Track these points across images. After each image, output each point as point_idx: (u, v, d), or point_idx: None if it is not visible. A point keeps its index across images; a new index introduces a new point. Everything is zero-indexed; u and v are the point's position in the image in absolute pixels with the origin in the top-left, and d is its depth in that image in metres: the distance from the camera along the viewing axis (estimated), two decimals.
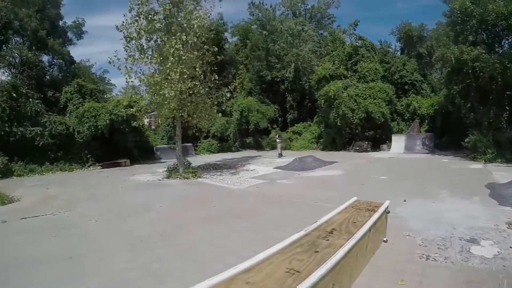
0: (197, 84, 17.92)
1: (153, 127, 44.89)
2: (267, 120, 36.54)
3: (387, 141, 29.71)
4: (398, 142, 28.31)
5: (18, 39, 31.72)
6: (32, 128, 25.38)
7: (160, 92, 17.26)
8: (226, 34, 43.09)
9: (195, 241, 7.98)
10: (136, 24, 17.54)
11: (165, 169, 19.91)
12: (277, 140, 30.35)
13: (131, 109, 20.84)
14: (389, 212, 6.58)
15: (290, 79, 39.15)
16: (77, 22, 37.35)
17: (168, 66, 17.00)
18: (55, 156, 26.45)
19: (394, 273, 5.61)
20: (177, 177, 18.17)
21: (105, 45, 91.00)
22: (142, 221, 10.15)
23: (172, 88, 16.86)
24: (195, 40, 17.53)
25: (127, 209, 11.84)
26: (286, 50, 39.33)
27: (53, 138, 25.97)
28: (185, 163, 19.72)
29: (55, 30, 34.43)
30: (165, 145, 35.33)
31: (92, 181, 19.78)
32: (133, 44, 17.80)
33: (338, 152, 29.42)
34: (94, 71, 40.03)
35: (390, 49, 37.73)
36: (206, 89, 18.79)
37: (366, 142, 29.62)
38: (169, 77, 16.95)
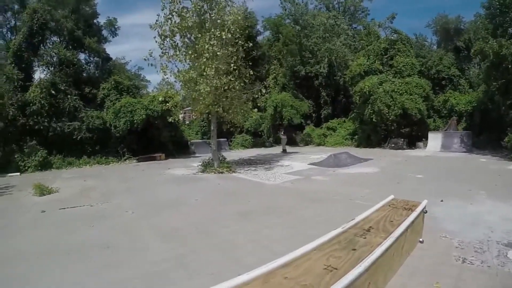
0: (232, 80, 18.05)
1: (187, 122, 45.24)
2: (301, 115, 36.19)
3: (423, 139, 28.93)
4: (434, 140, 27.54)
5: (55, 38, 32.54)
6: (70, 123, 26.56)
7: (196, 88, 17.48)
8: (257, 28, 43.14)
9: (230, 235, 8.10)
10: (169, 22, 17.84)
11: (200, 163, 20.17)
12: (282, 136, 30.69)
13: (167, 104, 21.12)
14: (426, 212, 6.51)
15: (324, 74, 38.53)
16: (110, 19, 38.56)
17: (202, 62, 17.18)
18: (93, 150, 27.52)
19: (429, 275, 5.53)
20: (211, 172, 18.41)
21: (138, 43, 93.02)
22: (177, 213, 10.41)
23: (208, 84, 17.03)
24: (229, 36, 17.59)
25: (162, 202, 12.14)
26: (319, 45, 38.72)
27: (91, 132, 27.04)
28: (220, 158, 19.94)
29: (90, 29, 35.30)
30: (199, 140, 35.55)
31: (128, 174, 20.31)
32: (167, 41, 18.14)
33: (373, 149, 28.94)
34: (129, 68, 41.03)
35: (426, 42, 36.85)
36: (241, 84, 18.89)
37: (402, 139, 28.86)
38: (204, 73, 17.10)
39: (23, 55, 28.84)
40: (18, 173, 23.54)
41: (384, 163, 20.12)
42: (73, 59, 30.13)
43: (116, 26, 38.71)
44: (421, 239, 6.50)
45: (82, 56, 33.77)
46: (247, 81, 19.36)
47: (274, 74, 37.14)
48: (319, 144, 34.85)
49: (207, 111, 19.14)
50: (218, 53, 17.11)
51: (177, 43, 18.32)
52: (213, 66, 16.95)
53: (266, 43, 44.64)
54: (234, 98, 19.00)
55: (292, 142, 36.63)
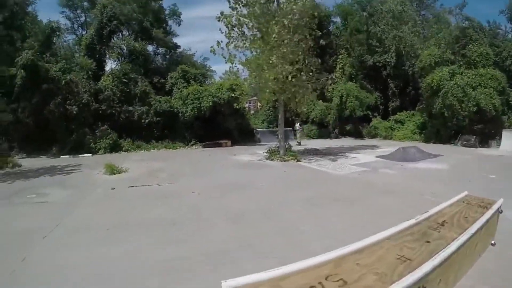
0: (299, 68, 18.00)
1: (252, 111, 45.58)
2: (363, 107, 35.31)
3: (497, 137, 26.83)
4: (509, 139, 25.29)
5: (124, 32, 34.10)
6: (139, 108, 28.03)
7: (262, 76, 17.59)
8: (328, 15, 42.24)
9: (296, 220, 8.19)
10: (235, 12, 18.06)
11: (266, 150, 20.45)
12: (297, 128, 30.59)
13: (234, 92, 21.43)
14: (501, 211, 6.26)
15: (392, 64, 36.73)
16: (174, 8, 39.70)
17: (268, 49, 17.25)
18: (160, 134, 28.99)
19: (500, 280, 5.32)
20: (277, 159, 18.64)
21: (203, 35, 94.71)
22: (243, 197, 10.67)
23: (273, 71, 17.12)
24: (296, 23, 17.53)
25: (229, 185, 12.47)
26: (387, 32, 36.94)
27: (158, 116, 28.52)
28: (286, 146, 19.99)
29: (158, 21, 36.47)
30: (265, 129, 35.77)
31: (195, 159, 21.06)
32: (234, 31, 18.33)
33: (443, 145, 27.39)
34: (195, 59, 41.59)
35: (500, 30, 34.40)
36: (310, 73, 18.80)
37: (474, 137, 26.90)
38: (271, 61, 17.18)
39: (95, 47, 31.06)
40: (90, 154, 25.43)
41: (454, 160, 19.09)
42: (142, 50, 31.59)
43: (179, 15, 39.71)
44: (493, 241, 6.23)
45: (150, 48, 35.22)
46: (314, 69, 19.23)
47: (342, 64, 36.61)
48: (385, 138, 33.76)
49: (273, 99, 19.23)
50: (285, 40, 17.12)
51: (244, 32, 18.53)
52: (280, 54, 16.99)
53: (334, 31, 43.52)
54: (301, 87, 18.93)
55: (358, 135, 36.23)
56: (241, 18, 18.07)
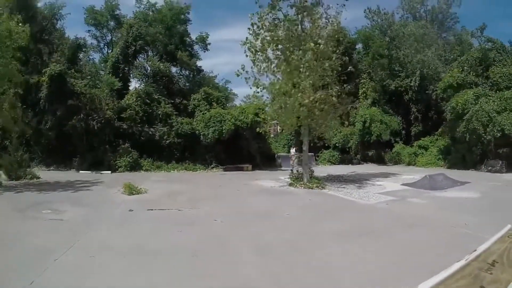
0: (329, 93, 17.50)
1: (271, 135, 45.09)
2: (390, 131, 34.24)
3: None
4: None
5: (150, 53, 34.57)
6: (161, 128, 28.04)
7: (289, 101, 17.12)
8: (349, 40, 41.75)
9: (327, 255, 7.54)
10: (259, 36, 17.72)
11: (288, 176, 19.85)
12: (292, 153, 27.48)
13: (259, 116, 21.01)
14: None
15: (415, 89, 35.87)
16: (202, 35, 39.14)
17: (297, 74, 16.85)
18: (181, 156, 28.80)
19: None
20: (301, 186, 17.95)
21: (226, 57, 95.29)
22: (269, 227, 9.99)
23: (303, 97, 16.61)
24: (324, 48, 17.13)
25: (252, 213, 11.86)
26: (410, 56, 36.15)
27: (179, 138, 28.44)
28: (309, 173, 19.32)
29: (183, 44, 36.55)
30: (286, 153, 35.17)
31: (216, 182, 20.56)
32: (259, 55, 17.96)
33: (468, 171, 26.34)
34: (217, 81, 41.58)
35: None
36: (336, 98, 18.27)
37: (500, 162, 26.11)
38: (299, 86, 16.76)
39: (119, 66, 31.72)
40: (109, 171, 25.38)
41: (483, 187, 18.25)
42: (166, 71, 31.74)
43: (207, 42, 39.53)
44: None
45: (174, 70, 35.27)
46: (340, 94, 18.74)
47: (364, 89, 35.99)
48: (409, 164, 32.73)
49: (299, 124, 18.69)
50: (312, 66, 16.75)
51: (269, 56, 18.14)
52: (309, 79, 16.54)
53: (356, 56, 43.02)
54: (328, 112, 18.37)
55: (380, 161, 35.23)
56: (265, 43, 17.68)
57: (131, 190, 15.35)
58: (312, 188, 17.57)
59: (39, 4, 33.01)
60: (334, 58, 17.77)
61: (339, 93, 18.63)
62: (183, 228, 9.60)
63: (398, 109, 37.65)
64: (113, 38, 42.47)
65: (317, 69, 17.07)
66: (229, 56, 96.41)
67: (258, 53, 17.86)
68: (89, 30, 43.07)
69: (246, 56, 17.88)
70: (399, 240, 8.77)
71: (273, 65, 18.01)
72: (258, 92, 18.42)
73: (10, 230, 9.36)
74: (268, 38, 17.60)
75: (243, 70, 17.64)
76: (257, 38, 17.71)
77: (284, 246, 8.12)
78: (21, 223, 10.11)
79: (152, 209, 11.99)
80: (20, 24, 19.30)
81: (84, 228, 9.49)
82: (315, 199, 14.97)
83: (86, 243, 8.12)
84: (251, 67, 17.88)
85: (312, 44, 16.90)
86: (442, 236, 9.04)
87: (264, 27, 17.65)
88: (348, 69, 19.18)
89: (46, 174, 23.16)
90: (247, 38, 17.77)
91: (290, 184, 18.62)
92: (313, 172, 19.84)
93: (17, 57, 20.26)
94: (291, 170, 23.58)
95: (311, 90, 16.87)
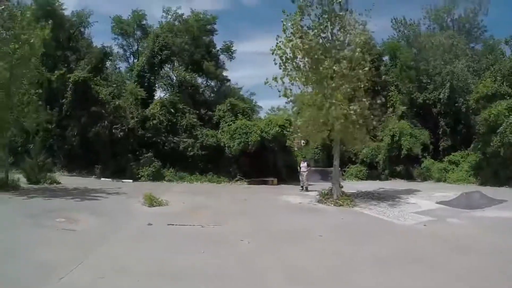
0: (362, 105, 16.47)
1: (295, 148, 43.99)
2: (421, 145, 32.64)
3: None
4: None
5: (176, 63, 33.96)
6: (185, 139, 27.48)
7: (321, 113, 16.16)
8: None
9: (373, 286, 6.59)
10: (290, 44, 16.72)
11: (317, 192, 18.77)
12: (301, 168, 23.60)
13: (286, 129, 20.10)
14: None
15: (444, 101, 33.98)
16: (227, 44, 38.54)
17: (328, 84, 15.90)
18: (205, 167, 28.01)
19: None
20: (331, 203, 16.78)
21: (250, 70, 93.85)
22: (301, 250, 9.00)
23: (337, 109, 15.61)
24: (358, 55, 16.17)
25: (282, 233, 10.80)
26: (439, 68, 34.54)
27: (204, 150, 27.64)
28: (341, 189, 18.23)
29: (209, 54, 35.84)
30: (312, 168, 34.08)
31: (240, 196, 19.66)
32: (289, 64, 17.03)
33: (502, 188, 24.54)
34: (242, 93, 40.92)
35: None
36: (368, 111, 17.23)
37: None
38: (332, 98, 15.72)
39: (145, 75, 31.63)
40: (131, 180, 25.10)
41: None
42: (191, 81, 31.24)
43: (232, 50, 38.92)
44: None
45: (199, 80, 34.65)
46: (374, 106, 17.73)
47: (392, 102, 34.63)
48: (438, 180, 30.79)
49: (331, 138, 17.66)
50: (346, 74, 15.78)
51: (299, 65, 17.10)
52: (342, 90, 15.60)
53: (383, 68, 41.61)
54: (363, 125, 17.33)
55: (409, 176, 33.61)
56: (296, 50, 16.72)
57: (152, 201, 14.60)
58: (342, 206, 16.40)
59: (67, 12, 33.69)
60: (367, 68, 16.79)
61: (372, 105, 17.59)
62: (206, 248, 8.68)
63: (426, 122, 35.68)
64: (139, 48, 42.62)
65: (351, 78, 16.05)
66: (252, 69, 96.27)
67: (289, 61, 16.93)
68: (115, 38, 43.43)
69: (275, 63, 16.87)
70: (449, 269, 7.70)
71: (303, 74, 16.97)
72: (288, 102, 17.55)
73: (18, 240, 8.74)
74: (299, 44, 16.66)
75: (275, 81, 16.61)
76: (288, 45, 16.70)
77: (321, 273, 7.17)
78: (31, 232, 9.54)
79: (172, 224, 11.14)
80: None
81: (97, 242, 8.75)
82: (347, 218, 13.85)
83: (97, 261, 7.37)
84: (280, 77, 16.84)
85: (346, 51, 16.06)
86: (495, 263, 8.03)
87: (297, 33, 16.69)
88: (382, 79, 18.13)
89: (67, 180, 23.06)
90: (277, 44, 16.82)
91: (319, 201, 17.48)
92: (342, 188, 18.75)
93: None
94: (301, 186, 23.16)
95: (345, 101, 15.84)
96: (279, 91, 16.93)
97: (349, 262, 8.06)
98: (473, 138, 32.01)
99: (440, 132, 35.13)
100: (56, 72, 29.19)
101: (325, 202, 17.01)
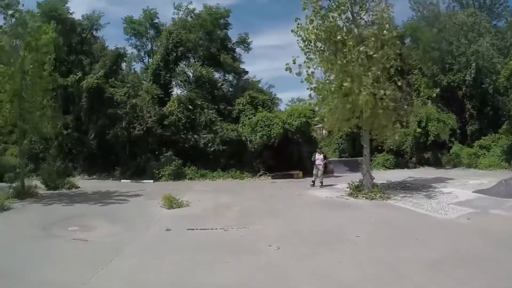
0: (394, 87, 15.24)
1: (319, 139, 42.83)
2: (449, 130, 31.18)
3: None
4: None
5: (191, 59, 33.33)
6: (205, 135, 26.75)
7: (349, 100, 15.00)
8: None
9: None
10: (312, 24, 15.53)
11: (347, 185, 17.52)
12: (317, 161, 21.11)
13: (312, 119, 19.05)
14: None
15: (470, 83, 32.55)
16: (242, 36, 37.47)
17: (355, 67, 14.76)
18: (227, 164, 27.24)
19: None
20: (362, 197, 15.65)
21: (266, 64, 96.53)
22: (338, 255, 7.91)
23: (366, 94, 14.35)
24: (388, 34, 14.97)
25: (314, 235, 9.72)
26: (463, 47, 33.02)
27: (225, 145, 26.81)
28: (372, 181, 17.04)
29: (224, 49, 35.14)
30: (336, 158, 33.00)
31: (265, 192, 18.78)
32: (311, 46, 15.80)
33: None
34: (260, 86, 39.77)
35: None
36: (402, 94, 16.05)
37: None
38: (361, 83, 14.50)
39: (160, 73, 30.87)
40: (152, 181, 24.61)
41: None
42: (209, 76, 30.40)
43: (248, 42, 37.76)
44: None
45: (217, 75, 33.81)
46: (405, 89, 16.54)
47: (416, 85, 33.17)
48: (469, 166, 29.68)
49: (359, 126, 16.55)
50: (375, 55, 14.57)
51: (323, 47, 15.93)
52: (371, 73, 14.41)
53: (405, 51, 39.80)
54: (393, 111, 16.09)
55: (437, 163, 32.45)
56: (320, 32, 15.44)
57: (171, 203, 13.75)
58: (375, 199, 15.25)
59: (77, 17, 33.57)
60: (398, 43, 15.57)
61: (400, 88, 16.35)
62: (230, 257, 7.70)
63: (451, 106, 34.24)
64: (153, 47, 42.40)
65: (380, 59, 14.81)
66: (268, 62, 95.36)
67: (311, 43, 15.73)
68: (128, 39, 43.52)
69: (299, 47, 15.77)
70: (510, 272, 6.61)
71: (327, 57, 15.67)
72: (310, 89, 16.27)
73: (23, 255, 7.95)
74: (320, 26, 15.47)
75: (294, 63, 15.20)
76: (310, 26, 15.50)
77: (365, 287, 6.12)
78: (39, 244, 8.86)
79: (193, 229, 10.20)
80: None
81: (110, 253, 7.92)
82: (383, 213, 12.71)
83: (107, 277, 6.55)
84: (304, 62, 15.53)
85: (376, 29, 14.93)
86: None
87: (318, 13, 15.49)
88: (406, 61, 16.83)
89: (87, 183, 22.79)
90: (298, 24, 15.63)
91: (350, 194, 16.39)
92: (373, 179, 17.56)
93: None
94: (313, 181, 21.01)
95: (374, 85, 14.60)
96: (298, 75, 15.57)
97: (395, 269, 6.98)
98: (502, 120, 30.93)
99: (466, 116, 33.78)
100: (70, 76, 28.93)
101: (356, 196, 15.88)
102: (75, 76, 28.78)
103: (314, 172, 21.02)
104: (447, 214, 12.36)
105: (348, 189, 16.95)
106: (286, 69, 15.30)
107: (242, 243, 8.84)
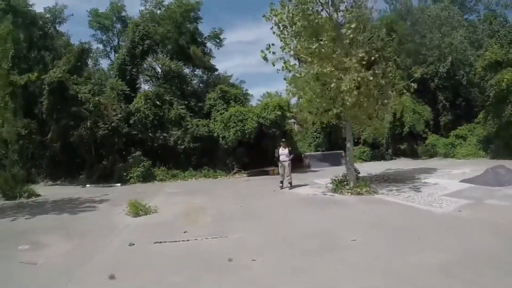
0: (375, 73, 14.12)
1: (296, 132, 41.80)
2: (424, 121, 31.37)
3: None
4: None
5: (159, 53, 31.90)
6: (174, 132, 25.40)
7: (332, 86, 13.75)
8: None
9: None
10: (286, 8, 14.42)
11: (328, 180, 16.42)
12: (281, 157, 17.93)
13: (287, 112, 17.85)
14: None
15: (444, 75, 32.93)
16: (215, 31, 36.50)
17: (336, 51, 13.69)
18: (198, 162, 25.97)
19: None
20: (347, 192, 14.48)
21: (237, 60, 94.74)
22: (338, 266, 6.68)
23: (349, 78, 13.19)
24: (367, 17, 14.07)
25: (303, 241, 8.40)
26: (437, 40, 33.43)
27: (196, 142, 25.51)
28: (357, 174, 15.99)
29: (194, 43, 33.88)
30: (313, 153, 31.89)
31: (241, 191, 17.57)
32: (288, 31, 14.60)
33: None
34: (232, 81, 38.57)
35: None
36: (386, 78, 14.98)
37: None
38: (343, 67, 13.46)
39: (126, 68, 29.04)
40: (119, 184, 23.04)
41: None
42: (178, 70, 29.06)
43: (221, 38, 36.72)
44: None
45: (187, 71, 32.79)
46: (388, 75, 15.52)
47: (391, 77, 32.73)
48: (446, 156, 29.76)
49: (339, 117, 15.45)
50: (358, 37, 13.55)
51: (300, 31, 14.52)
52: (354, 56, 13.27)
53: (379, 43, 39.33)
54: (376, 98, 14.96)
55: (413, 154, 32.34)
56: (294, 16, 14.14)
57: (137, 209, 12.25)
58: (361, 194, 14.11)
59: (39, 10, 31.44)
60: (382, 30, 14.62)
61: (385, 74, 15.24)
62: (207, 277, 6.33)
63: (424, 98, 34.25)
64: (120, 42, 40.61)
65: (364, 41, 13.81)
66: (238, 59, 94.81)
67: (286, 28, 14.48)
68: (94, 35, 41.73)
69: (274, 33, 14.49)
70: None
71: (305, 41, 14.37)
72: (288, 80, 15.03)
73: None
74: (294, 10, 14.27)
75: (268, 50, 14.02)
76: (286, 9, 14.39)
77: None
78: None
79: (161, 242, 8.76)
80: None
81: (61, 279, 6.57)
82: (375, 210, 11.53)
83: None
84: (280, 47, 14.33)
85: (354, 11, 13.84)
86: None
87: None
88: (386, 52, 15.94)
89: (49, 190, 21.05)
90: (271, 9, 14.39)
91: (334, 190, 15.11)
92: (359, 173, 16.42)
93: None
94: (281, 182, 17.63)
95: (358, 68, 13.49)
96: (273, 65, 14.53)
97: (407, 278, 5.81)
98: (474, 111, 31.40)
99: (439, 107, 34.11)
100: (31, 73, 26.41)
101: (341, 191, 14.69)
102: (33, 73, 26.22)
103: (280, 171, 17.76)
104: (441, 207, 11.50)
105: (331, 185, 15.73)
106: (262, 57, 14.07)
107: (220, 257, 7.36)
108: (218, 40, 36.54)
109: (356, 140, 30.54)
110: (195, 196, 16.00)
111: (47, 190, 20.96)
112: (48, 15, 32.79)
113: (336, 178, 15.80)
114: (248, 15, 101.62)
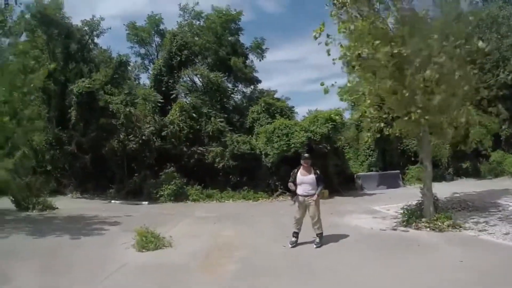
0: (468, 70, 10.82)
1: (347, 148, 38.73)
2: (492, 136, 26.86)
3: None
4: None
5: (199, 64, 30.74)
6: (212, 148, 23.31)
7: (407, 82, 10.36)
8: None
9: None
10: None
11: (394, 208, 13.40)
12: (301, 186, 9.76)
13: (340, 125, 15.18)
14: None
15: (507, 82, 28.64)
16: (257, 41, 34.36)
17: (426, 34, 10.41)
18: (238, 182, 23.61)
19: None
20: (423, 226, 10.82)
21: (280, 79, 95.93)
22: None
23: (435, 67, 9.95)
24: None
25: None
26: (496, 43, 28.38)
27: (236, 160, 23.05)
28: (436, 202, 12.18)
29: (235, 54, 32.07)
30: (366, 173, 28.60)
31: (285, 220, 12.95)
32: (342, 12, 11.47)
33: None
34: (276, 96, 36.29)
35: None
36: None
37: None
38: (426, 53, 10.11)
39: (162, 79, 28.37)
40: (146, 202, 21.07)
41: None
42: (217, 81, 27.52)
43: (263, 48, 34.35)
44: None
45: (228, 84, 31.35)
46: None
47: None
48: None
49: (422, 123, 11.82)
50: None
51: (363, 11, 11.37)
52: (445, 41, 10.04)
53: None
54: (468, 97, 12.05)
55: (476, 174, 28.64)
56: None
57: (146, 242, 9.25)
58: (444, 230, 10.40)
59: (75, 22, 30.75)
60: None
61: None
62: None
63: (480, 108, 30.50)
64: (158, 56, 39.32)
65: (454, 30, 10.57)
66: (281, 78, 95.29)
67: (344, 7, 11.25)
68: (132, 47, 40.50)
69: (331, 15, 11.47)
70: None
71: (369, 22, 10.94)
72: (352, 67, 11.70)
73: None
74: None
75: (322, 31, 11.14)
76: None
77: None
78: None
79: None
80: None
81: None
82: (473, 257, 7.77)
83: None
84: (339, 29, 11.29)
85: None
86: None
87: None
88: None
89: (72, 204, 19.94)
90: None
91: (405, 223, 11.47)
92: (437, 200, 12.77)
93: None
94: (295, 233, 9.83)
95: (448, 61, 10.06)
96: (328, 53, 11.43)
97: None
98: None
99: (499, 119, 29.76)
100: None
101: (416, 226, 11.03)
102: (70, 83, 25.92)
103: (297, 214, 9.88)
104: None
105: (401, 216, 12.19)
106: (314, 37, 11.23)
107: None
108: (260, 51, 34.54)
109: (413, 159, 27.75)
110: (227, 225, 13.24)
111: (70, 203, 20.00)
112: (85, 28, 31.85)
113: (407, 208, 12.26)
114: (289, 35, 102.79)
